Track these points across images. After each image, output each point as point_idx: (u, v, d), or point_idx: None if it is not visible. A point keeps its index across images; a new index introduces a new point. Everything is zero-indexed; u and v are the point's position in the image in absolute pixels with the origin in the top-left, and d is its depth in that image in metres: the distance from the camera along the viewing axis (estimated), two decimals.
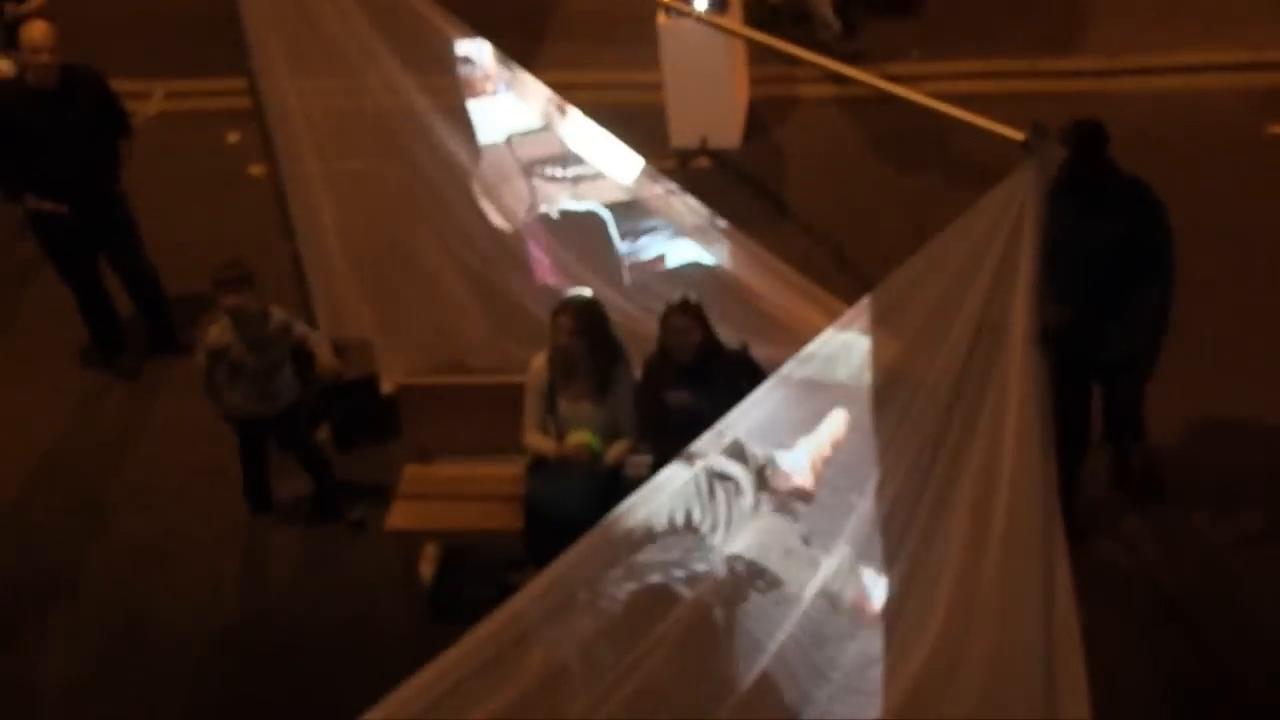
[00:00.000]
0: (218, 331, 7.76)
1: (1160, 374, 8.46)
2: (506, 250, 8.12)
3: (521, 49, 7.91)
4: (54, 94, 8.72)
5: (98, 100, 8.92)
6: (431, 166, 7.87)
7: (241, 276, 7.66)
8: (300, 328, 8.01)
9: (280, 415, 8.09)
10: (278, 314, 7.90)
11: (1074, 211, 6.95)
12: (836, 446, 5.66)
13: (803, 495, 5.72)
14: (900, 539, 5.49)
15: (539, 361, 7.53)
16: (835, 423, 5.65)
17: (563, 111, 7.86)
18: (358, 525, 8.28)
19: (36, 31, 8.59)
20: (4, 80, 9.04)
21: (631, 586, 5.48)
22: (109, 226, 9.12)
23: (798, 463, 5.68)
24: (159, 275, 9.49)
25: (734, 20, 10.15)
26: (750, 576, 5.63)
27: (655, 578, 5.51)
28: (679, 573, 5.53)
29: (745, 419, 5.46)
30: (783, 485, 5.68)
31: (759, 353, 7.47)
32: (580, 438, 7.39)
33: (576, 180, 7.96)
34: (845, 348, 5.48)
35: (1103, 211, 7.18)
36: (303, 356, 8.05)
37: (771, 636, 5.64)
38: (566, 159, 7.92)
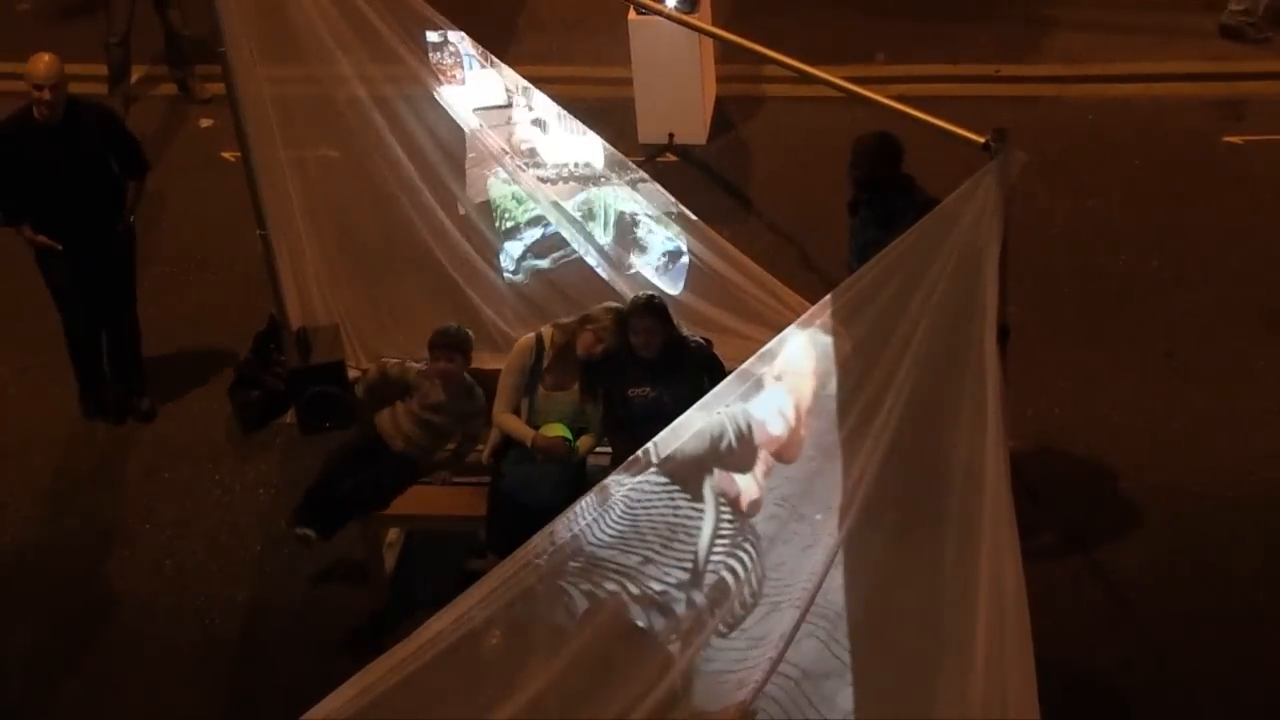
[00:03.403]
0: (428, 385, 7.65)
1: (1112, 369, 8.59)
2: (475, 238, 8.18)
3: (490, 42, 7.94)
4: (57, 130, 8.49)
5: (105, 137, 8.68)
6: (402, 155, 7.89)
7: (454, 343, 7.58)
8: (474, 425, 7.75)
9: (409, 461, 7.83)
10: (479, 396, 7.70)
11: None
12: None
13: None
14: (864, 543, 5.55)
15: (526, 341, 7.50)
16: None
17: (533, 102, 7.91)
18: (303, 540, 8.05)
19: (40, 67, 8.34)
20: (8, 115, 8.80)
21: (588, 589, 5.51)
22: (106, 267, 8.84)
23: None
24: (140, 336, 9.14)
25: (704, 18, 10.23)
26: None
27: (610, 585, 5.52)
28: (634, 589, 5.53)
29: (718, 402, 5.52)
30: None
31: (721, 349, 7.56)
32: (557, 430, 7.41)
33: (538, 182, 8.00)
34: (807, 345, 5.56)
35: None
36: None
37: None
38: (532, 155, 7.96)
